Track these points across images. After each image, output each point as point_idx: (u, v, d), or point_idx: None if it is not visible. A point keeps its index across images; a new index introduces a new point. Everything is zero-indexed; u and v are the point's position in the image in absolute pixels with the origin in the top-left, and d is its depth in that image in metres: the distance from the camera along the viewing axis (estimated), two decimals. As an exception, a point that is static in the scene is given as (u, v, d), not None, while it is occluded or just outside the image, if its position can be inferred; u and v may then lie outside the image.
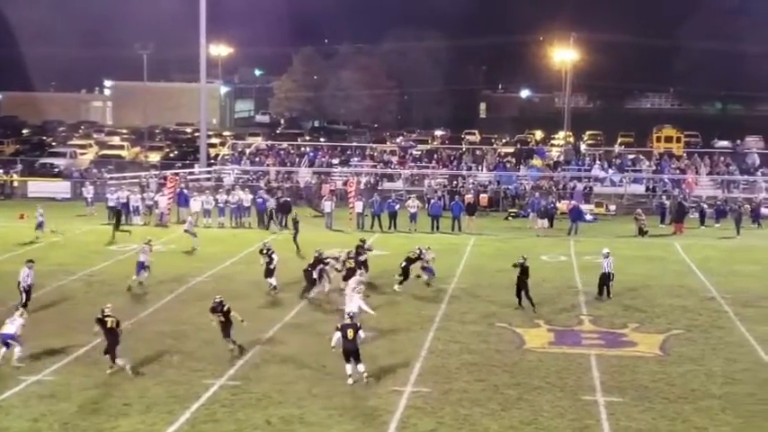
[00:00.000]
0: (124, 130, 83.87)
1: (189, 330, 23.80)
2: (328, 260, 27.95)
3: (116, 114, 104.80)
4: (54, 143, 71.24)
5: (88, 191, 44.64)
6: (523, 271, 26.22)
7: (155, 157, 63.19)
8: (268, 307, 26.53)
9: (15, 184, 50.87)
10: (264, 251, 28.20)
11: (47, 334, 23.20)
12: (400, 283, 28.39)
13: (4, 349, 20.45)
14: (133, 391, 19.12)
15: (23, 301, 24.78)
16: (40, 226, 36.64)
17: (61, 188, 49.85)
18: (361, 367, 19.58)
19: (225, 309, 21.50)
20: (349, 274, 27.06)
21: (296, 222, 36.65)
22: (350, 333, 19.56)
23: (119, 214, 37.82)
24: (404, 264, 28.61)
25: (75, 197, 47.41)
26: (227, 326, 21.51)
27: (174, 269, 30.60)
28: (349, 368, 19.60)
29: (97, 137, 78.35)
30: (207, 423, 17.58)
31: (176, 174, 46.96)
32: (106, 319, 20.13)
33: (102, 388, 19.34)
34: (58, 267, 29.37)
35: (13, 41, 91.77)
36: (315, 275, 27.21)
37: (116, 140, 74.96)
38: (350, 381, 19.49)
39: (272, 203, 41.00)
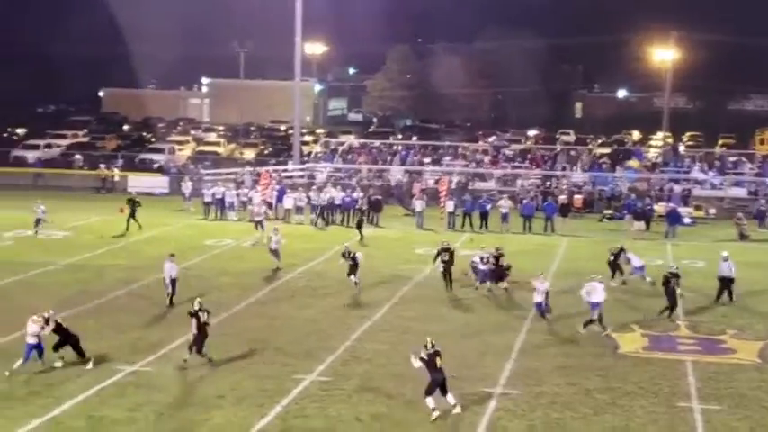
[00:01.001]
0: (221, 127, 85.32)
1: (281, 325, 24.10)
2: (476, 258, 28.63)
3: (213, 111, 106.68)
4: (153, 139, 73.01)
5: (186, 186, 45.52)
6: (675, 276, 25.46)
7: (249, 154, 64.25)
8: (356, 304, 26.65)
9: (116, 178, 52.28)
10: (347, 254, 28.35)
11: (145, 326, 23.89)
12: (612, 277, 28.80)
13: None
14: (225, 384, 19.42)
15: (170, 294, 25.72)
16: (38, 222, 36.34)
17: (160, 183, 51.13)
18: (450, 398, 17.73)
19: (202, 320, 20.21)
20: (499, 275, 27.80)
21: (361, 212, 37.98)
22: (438, 361, 17.63)
23: (134, 205, 38.18)
24: (611, 259, 29.09)
25: (173, 192, 48.49)
26: (200, 336, 20.24)
27: (267, 264, 31.02)
28: (431, 401, 17.49)
29: (195, 133, 79.93)
30: (297, 418, 17.74)
31: (269, 170, 47.58)
32: (61, 323, 20.33)
33: (196, 380, 19.72)
34: (156, 261, 29.91)
35: (116, 40, 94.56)
36: (440, 269, 28.01)
37: (213, 137, 76.35)
38: (435, 414, 17.42)
39: (323, 200, 41.39)
